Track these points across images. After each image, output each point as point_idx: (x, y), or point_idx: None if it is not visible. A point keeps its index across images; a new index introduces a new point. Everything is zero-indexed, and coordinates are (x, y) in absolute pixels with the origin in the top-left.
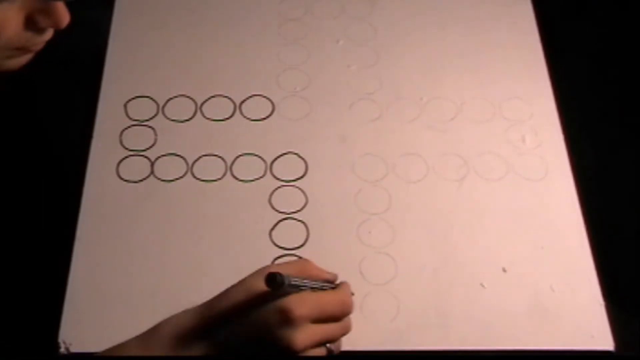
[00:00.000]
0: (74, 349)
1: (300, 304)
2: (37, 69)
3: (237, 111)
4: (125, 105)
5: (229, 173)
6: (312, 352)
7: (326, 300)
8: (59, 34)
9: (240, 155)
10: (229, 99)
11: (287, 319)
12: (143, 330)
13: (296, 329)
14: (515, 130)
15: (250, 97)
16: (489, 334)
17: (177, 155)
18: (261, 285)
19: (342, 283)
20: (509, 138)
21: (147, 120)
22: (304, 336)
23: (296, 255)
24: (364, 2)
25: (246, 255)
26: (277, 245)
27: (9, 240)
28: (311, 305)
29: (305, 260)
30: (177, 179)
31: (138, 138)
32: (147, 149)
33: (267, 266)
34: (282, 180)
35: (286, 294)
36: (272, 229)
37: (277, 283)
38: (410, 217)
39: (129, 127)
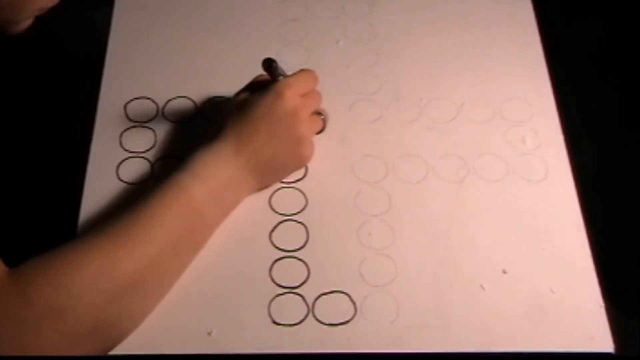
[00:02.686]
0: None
1: (290, 81)
2: (37, 69)
3: None
4: (125, 107)
5: None
6: (313, 122)
7: (304, 75)
8: (59, 34)
9: None
10: (230, 99)
11: (281, 93)
12: (142, 331)
13: (295, 103)
14: (515, 131)
15: None
16: (488, 335)
17: (177, 157)
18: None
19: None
20: (509, 139)
21: (147, 121)
22: (303, 103)
23: (296, 258)
24: (364, 2)
25: (246, 258)
26: (276, 247)
27: (9, 241)
28: (297, 81)
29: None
30: None
31: (138, 139)
32: (147, 150)
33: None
34: (282, 182)
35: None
36: (272, 230)
37: (271, 63)
38: (410, 219)
39: (128, 128)
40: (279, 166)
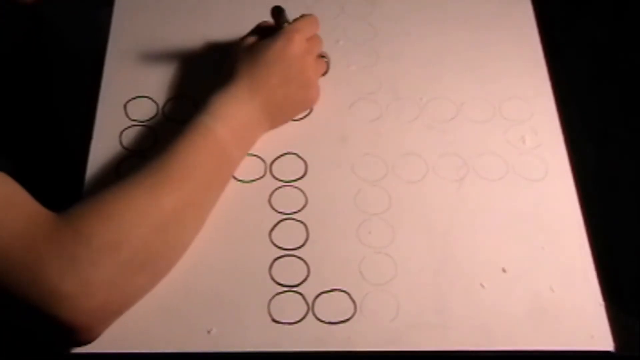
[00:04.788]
0: (74, 349)
1: (298, 26)
2: (37, 69)
3: None
4: (125, 106)
5: None
6: (319, 65)
7: (308, 20)
8: (59, 34)
9: None
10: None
11: (291, 38)
12: (142, 330)
13: (303, 46)
14: (515, 130)
15: None
16: (488, 334)
17: None
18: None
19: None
20: (508, 138)
21: (147, 120)
22: (310, 46)
23: (296, 256)
24: (364, 2)
25: (246, 256)
26: (276, 246)
27: None
28: (304, 26)
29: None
30: None
31: (138, 138)
32: (147, 149)
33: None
34: (282, 181)
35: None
36: (272, 229)
37: (281, 11)
38: (410, 217)
39: (128, 127)
40: (290, 107)
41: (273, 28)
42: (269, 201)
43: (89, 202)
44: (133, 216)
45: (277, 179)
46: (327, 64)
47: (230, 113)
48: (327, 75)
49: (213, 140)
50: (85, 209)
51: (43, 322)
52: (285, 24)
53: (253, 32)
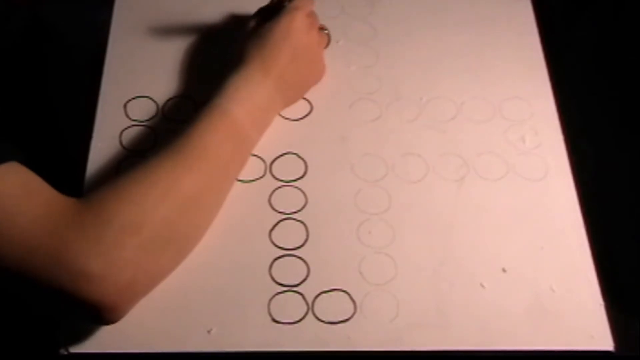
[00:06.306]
0: (74, 349)
1: (298, 4)
2: (37, 69)
3: None
4: (125, 106)
5: None
6: (321, 38)
7: None
8: (59, 34)
9: None
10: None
11: (294, 16)
12: (142, 329)
13: (306, 22)
14: (515, 130)
15: None
16: (488, 334)
17: None
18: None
19: None
20: (508, 138)
21: (147, 120)
22: (311, 21)
23: (296, 256)
24: (364, 2)
25: (246, 256)
26: (276, 246)
27: None
28: (303, 3)
29: None
30: None
31: (138, 138)
32: (147, 149)
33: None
34: (282, 181)
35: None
36: (272, 229)
37: None
38: (410, 217)
39: (128, 127)
40: (301, 84)
41: (274, 9)
42: (269, 201)
43: (109, 186)
44: (154, 198)
45: (277, 178)
46: (328, 35)
47: (245, 95)
48: (327, 75)
49: (230, 122)
50: (106, 193)
51: (71, 304)
52: (286, 3)
53: (256, 15)
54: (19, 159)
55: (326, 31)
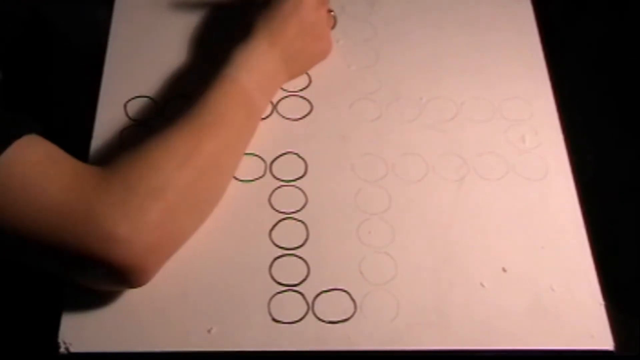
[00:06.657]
0: (74, 349)
1: None
2: (37, 69)
3: None
4: (125, 105)
5: None
6: (328, 18)
7: None
8: (59, 34)
9: None
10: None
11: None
12: (142, 329)
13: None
14: (515, 130)
15: None
16: (488, 333)
17: None
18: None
19: None
20: (508, 138)
21: (147, 120)
22: (321, 1)
23: (296, 256)
24: (364, 2)
25: (246, 255)
26: (276, 245)
27: None
28: None
29: None
30: None
31: (138, 138)
32: None
33: None
34: (282, 180)
35: None
36: (272, 228)
37: None
38: (410, 217)
39: (129, 127)
40: (306, 59)
41: None
42: (269, 201)
43: (131, 153)
44: (176, 163)
45: (277, 178)
46: (335, 18)
47: (253, 64)
48: (327, 75)
49: (240, 90)
50: (129, 159)
51: (100, 268)
52: None
53: None
54: (38, 131)
55: (333, 13)
